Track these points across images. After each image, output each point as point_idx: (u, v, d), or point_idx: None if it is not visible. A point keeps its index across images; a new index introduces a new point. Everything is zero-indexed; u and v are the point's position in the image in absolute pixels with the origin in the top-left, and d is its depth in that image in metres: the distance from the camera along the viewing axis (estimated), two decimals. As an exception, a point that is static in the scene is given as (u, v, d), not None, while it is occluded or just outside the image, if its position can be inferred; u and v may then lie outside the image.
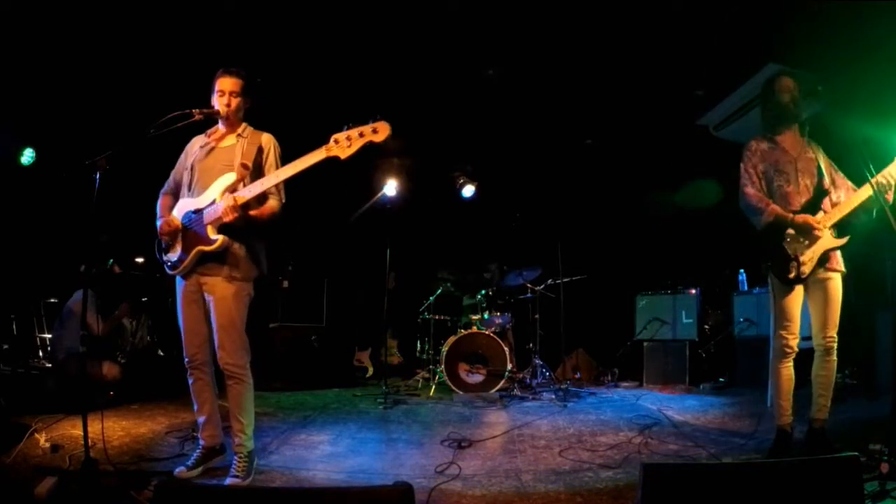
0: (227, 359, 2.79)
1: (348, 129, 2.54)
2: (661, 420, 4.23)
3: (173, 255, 2.86)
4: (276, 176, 2.70)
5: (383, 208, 5.95)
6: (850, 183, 3.10)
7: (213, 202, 2.76)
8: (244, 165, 2.83)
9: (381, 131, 2.52)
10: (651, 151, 6.72)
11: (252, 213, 2.76)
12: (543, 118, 6.39)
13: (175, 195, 3.03)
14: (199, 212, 2.80)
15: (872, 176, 2.79)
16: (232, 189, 2.76)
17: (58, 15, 4.48)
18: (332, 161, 2.55)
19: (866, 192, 2.88)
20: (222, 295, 2.79)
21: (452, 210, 7.56)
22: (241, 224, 2.75)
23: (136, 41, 4.84)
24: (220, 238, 2.74)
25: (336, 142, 2.53)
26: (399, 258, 6.19)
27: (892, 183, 2.82)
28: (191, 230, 2.81)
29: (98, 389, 4.32)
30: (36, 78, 5.13)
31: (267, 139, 2.96)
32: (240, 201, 2.68)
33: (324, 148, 2.57)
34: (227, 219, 2.68)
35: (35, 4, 4.35)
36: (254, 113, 3.04)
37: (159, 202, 3.04)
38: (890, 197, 2.81)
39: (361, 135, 2.51)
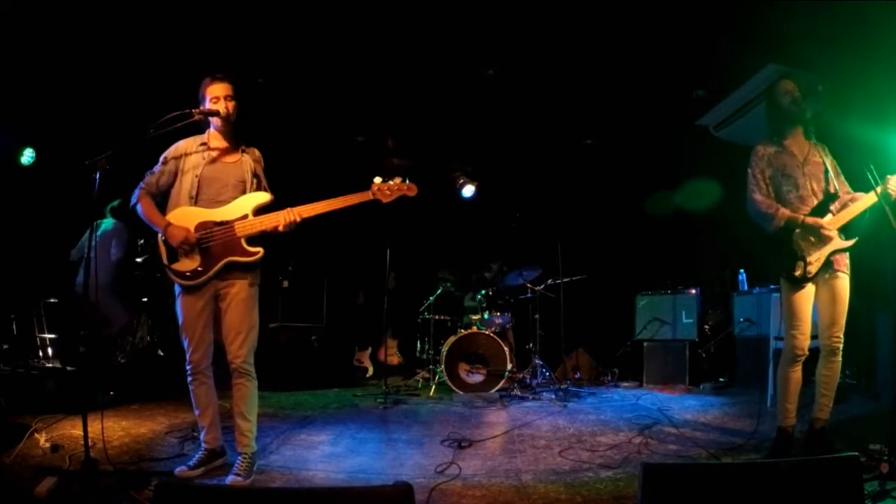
0: (245, 358, 2.89)
1: (384, 182, 3.04)
2: (661, 420, 4.23)
3: (191, 266, 2.86)
4: (329, 204, 2.94)
5: (383, 208, 5.94)
6: (847, 187, 3.12)
7: (245, 216, 2.88)
8: (265, 188, 3.08)
9: (412, 190, 3.10)
10: (651, 151, 6.72)
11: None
12: (543, 118, 6.38)
13: (154, 197, 2.96)
14: (224, 224, 2.87)
15: (877, 184, 2.82)
16: (259, 209, 2.92)
17: (57, 15, 4.48)
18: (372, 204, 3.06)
19: (871, 199, 2.90)
20: (245, 300, 2.91)
21: (452, 210, 7.55)
22: (281, 235, 2.96)
23: (135, 41, 4.84)
24: (259, 250, 2.90)
25: (379, 189, 3.02)
26: (399, 258, 6.18)
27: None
28: (216, 241, 2.86)
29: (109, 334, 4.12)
30: (36, 78, 5.13)
31: (258, 155, 3.15)
32: (304, 216, 2.91)
33: (369, 192, 3.02)
34: (282, 230, 2.90)
35: (35, 4, 4.35)
36: (257, 114, 3.05)
37: (141, 205, 2.91)
38: None
39: (399, 189, 3.06)
